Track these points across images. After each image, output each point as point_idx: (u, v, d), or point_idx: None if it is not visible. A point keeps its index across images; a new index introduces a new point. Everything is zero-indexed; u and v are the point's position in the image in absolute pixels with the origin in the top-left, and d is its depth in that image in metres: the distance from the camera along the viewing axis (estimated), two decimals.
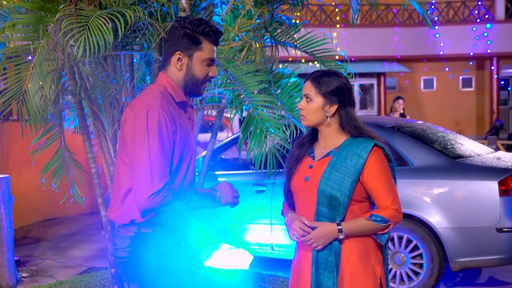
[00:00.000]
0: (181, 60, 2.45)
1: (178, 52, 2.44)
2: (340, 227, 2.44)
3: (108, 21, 3.47)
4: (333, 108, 2.52)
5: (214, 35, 2.48)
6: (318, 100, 2.51)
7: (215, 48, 2.51)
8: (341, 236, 2.44)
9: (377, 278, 2.51)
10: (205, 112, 5.02)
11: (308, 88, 2.54)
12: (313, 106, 2.52)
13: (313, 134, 2.65)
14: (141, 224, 2.40)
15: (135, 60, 4.40)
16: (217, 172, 6.01)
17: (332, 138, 2.56)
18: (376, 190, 2.47)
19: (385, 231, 2.48)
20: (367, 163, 2.45)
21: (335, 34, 18.28)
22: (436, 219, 4.94)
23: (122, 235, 2.44)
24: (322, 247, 2.46)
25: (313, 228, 2.46)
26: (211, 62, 2.50)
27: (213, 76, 2.53)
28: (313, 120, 2.54)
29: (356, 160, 2.46)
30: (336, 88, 2.51)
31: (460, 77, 21.84)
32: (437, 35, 19.82)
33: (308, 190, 2.52)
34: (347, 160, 2.46)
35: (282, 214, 2.74)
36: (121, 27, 3.48)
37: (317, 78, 2.53)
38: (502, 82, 22.05)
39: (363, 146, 2.47)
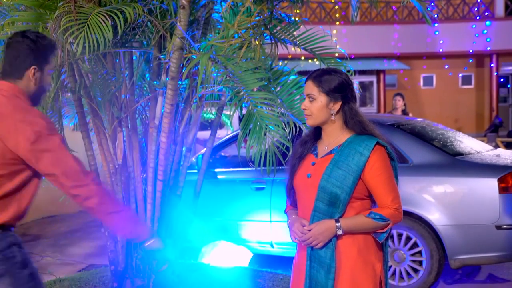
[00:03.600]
0: (35, 74, 2.59)
1: (34, 66, 2.58)
2: (338, 223, 2.44)
3: (108, 18, 3.46)
4: (337, 105, 2.52)
5: (55, 47, 2.67)
6: (321, 99, 2.52)
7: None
8: (340, 232, 2.44)
9: (377, 275, 2.51)
10: (204, 109, 5.01)
11: (310, 87, 2.54)
12: (317, 105, 2.52)
13: (316, 132, 2.65)
14: None
15: (134, 58, 4.40)
16: (216, 170, 6.01)
17: (335, 135, 2.56)
18: (377, 188, 2.47)
19: (384, 229, 2.48)
20: (369, 161, 2.45)
21: (334, 32, 18.27)
22: (435, 216, 4.94)
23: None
24: (323, 244, 2.45)
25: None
26: (51, 72, 2.74)
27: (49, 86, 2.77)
28: (318, 119, 2.55)
29: (358, 158, 2.46)
30: (338, 85, 2.51)
31: (460, 75, 21.84)
32: (437, 33, 19.81)
33: (309, 186, 2.53)
34: (349, 158, 2.46)
35: (285, 212, 2.74)
36: (120, 25, 3.47)
37: (318, 77, 2.54)
38: (502, 80, 22.05)
39: (366, 144, 2.47)
